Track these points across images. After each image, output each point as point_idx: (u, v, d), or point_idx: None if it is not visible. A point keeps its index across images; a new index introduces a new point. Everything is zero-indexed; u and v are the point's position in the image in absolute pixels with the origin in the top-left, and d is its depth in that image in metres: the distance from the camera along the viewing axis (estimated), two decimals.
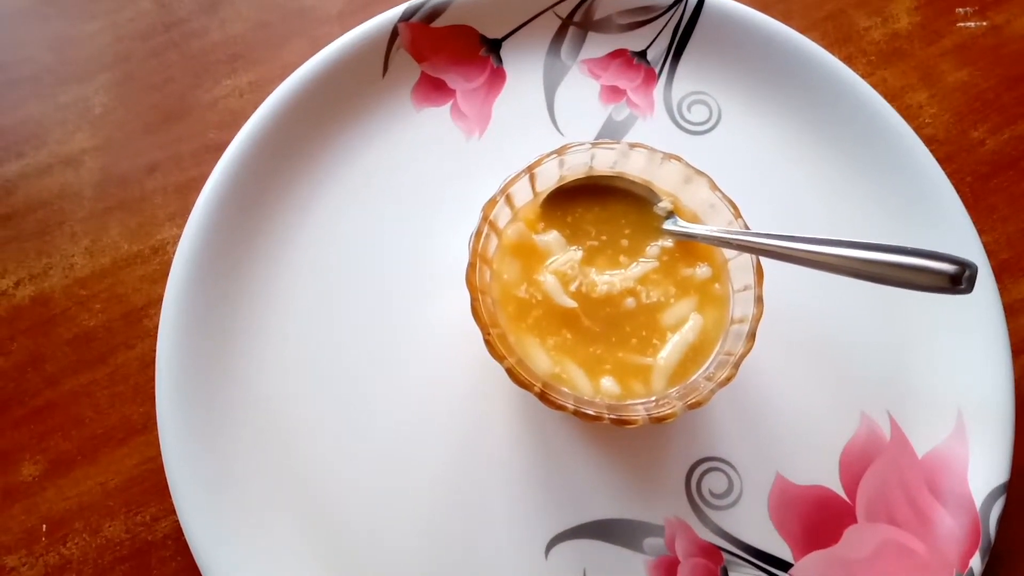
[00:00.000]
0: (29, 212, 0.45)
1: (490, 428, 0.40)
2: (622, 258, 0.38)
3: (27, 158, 0.47)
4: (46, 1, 0.51)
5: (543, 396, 0.34)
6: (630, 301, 0.37)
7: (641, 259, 0.38)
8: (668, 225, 0.38)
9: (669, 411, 0.34)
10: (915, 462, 0.40)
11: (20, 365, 0.42)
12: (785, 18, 0.47)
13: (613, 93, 0.47)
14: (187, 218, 0.41)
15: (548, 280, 0.37)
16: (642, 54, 0.48)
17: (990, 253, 0.42)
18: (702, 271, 0.38)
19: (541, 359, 0.36)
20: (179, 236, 0.41)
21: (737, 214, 0.37)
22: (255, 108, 0.43)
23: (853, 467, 0.40)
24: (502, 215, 0.38)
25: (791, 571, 0.38)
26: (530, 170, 0.38)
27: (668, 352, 0.37)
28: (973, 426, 0.40)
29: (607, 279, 0.37)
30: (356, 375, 0.41)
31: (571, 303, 0.37)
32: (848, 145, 0.45)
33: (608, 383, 0.36)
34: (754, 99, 0.47)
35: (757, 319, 0.35)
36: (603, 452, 0.40)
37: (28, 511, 0.40)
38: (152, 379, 0.39)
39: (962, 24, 0.51)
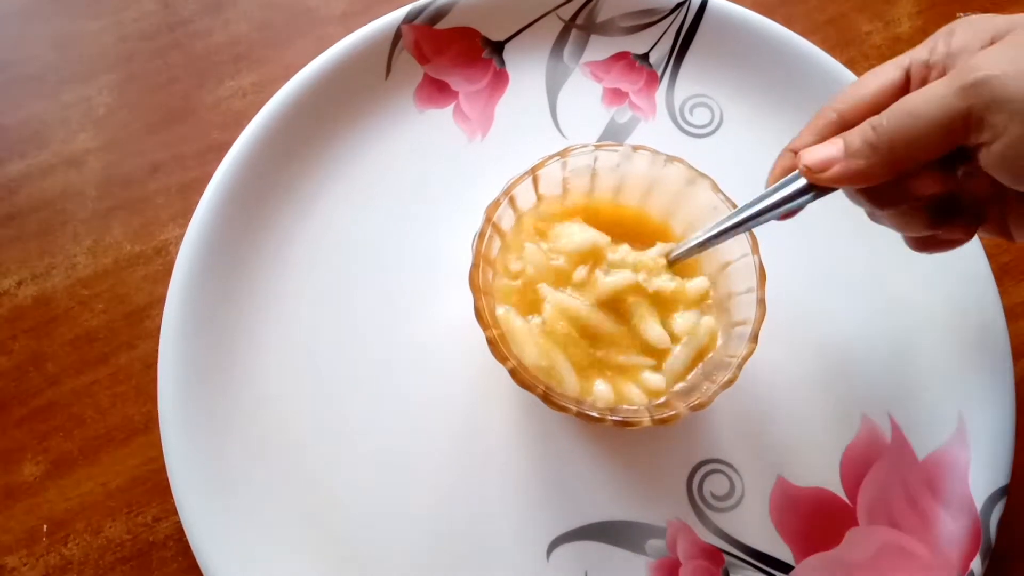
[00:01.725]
0: (32, 212, 0.45)
1: (492, 429, 0.40)
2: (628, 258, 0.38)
3: (30, 158, 0.47)
4: None
5: (546, 397, 0.34)
6: (634, 300, 0.37)
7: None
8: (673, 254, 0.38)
9: (671, 413, 0.34)
10: (916, 464, 0.40)
11: (22, 365, 0.42)
12: (787, 22, 0.47)
13: (615, 96, 0.47)
14: (190, 218, 0.41)
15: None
16: (644, 57, 0.48)
17: (991, 256, 0.42)
18: (704, 273, 0.38)
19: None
20: (182, 236, 0.41)
21: None
22: (258, 109, 0.43)
23: (854, 469, 0.40)
24: (505, 216, 0.38)
25: (792, 573, 0.38)
26: (533, 172, 0.38)
27: (671, 353, 0.37)
28: (974, 429, 0.40)
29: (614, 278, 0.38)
30: (359, 376, 0.41)
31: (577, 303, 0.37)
32: None
33: (610, 385, 0.36)
34: (756, 102, 0.47)
35: (759, 321, 0.35)
36: (605, 454, 0.40)
37: (29, 511, 0.40)
38: (154, 379, 0.39)
39: None
